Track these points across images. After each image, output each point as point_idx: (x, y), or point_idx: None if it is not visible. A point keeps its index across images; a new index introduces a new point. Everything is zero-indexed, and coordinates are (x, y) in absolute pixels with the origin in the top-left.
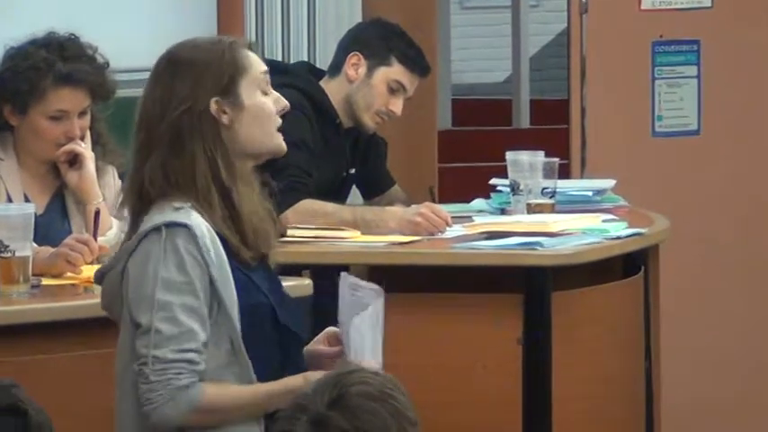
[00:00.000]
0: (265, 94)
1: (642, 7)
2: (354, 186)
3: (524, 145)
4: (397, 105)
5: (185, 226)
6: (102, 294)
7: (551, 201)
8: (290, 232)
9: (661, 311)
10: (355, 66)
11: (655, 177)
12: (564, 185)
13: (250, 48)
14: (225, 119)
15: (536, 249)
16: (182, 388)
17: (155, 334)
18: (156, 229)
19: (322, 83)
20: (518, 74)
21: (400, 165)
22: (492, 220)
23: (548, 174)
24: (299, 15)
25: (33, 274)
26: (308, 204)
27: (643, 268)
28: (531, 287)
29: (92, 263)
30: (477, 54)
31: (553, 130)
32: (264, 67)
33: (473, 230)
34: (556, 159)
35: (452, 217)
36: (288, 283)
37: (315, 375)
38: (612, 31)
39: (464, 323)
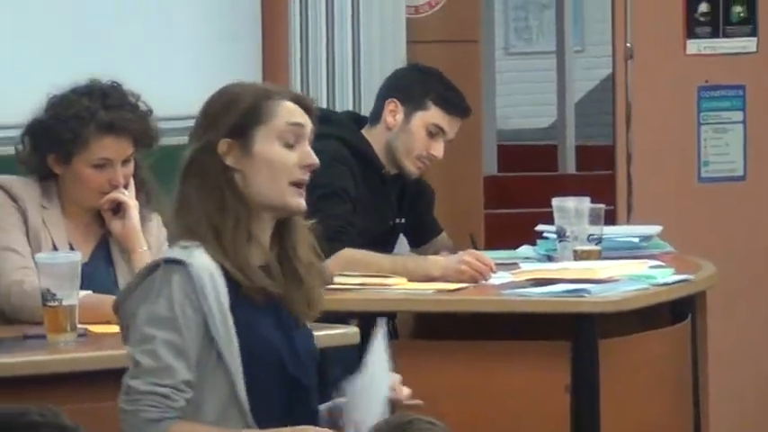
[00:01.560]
0: (289, 146)
1: (687, 52)
2: (402, 235)
3: (570, 191)
4: (437, 149)
5: (182, 263)
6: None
7: (598, 247)
8: (336, 279)
9: (709, 358)
10: (393, 112)
11: (701, 223)
12: (610, 232)
13: (297, 100)
14: (230, 160)
15: (583, 296)
16: (150, 421)
17: (134, 365)
18: (157, 264)
19: (364, 131)
20: (563, 119)
21: (446, 211)
22: (539, 266)
23: (594, 220)
24: (343, 63)
25: (102, 322)
26: (349, 254)
27: (690, 315)
28: (579, 334)
29: None
30: (523, 100)
31: (599, 176)
32: (298, 120)
33: (520, 277)
34: (602, 205)
35: (499, 264)
36: (334, 331)
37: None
38: (658, 76)
39: (512, 370)
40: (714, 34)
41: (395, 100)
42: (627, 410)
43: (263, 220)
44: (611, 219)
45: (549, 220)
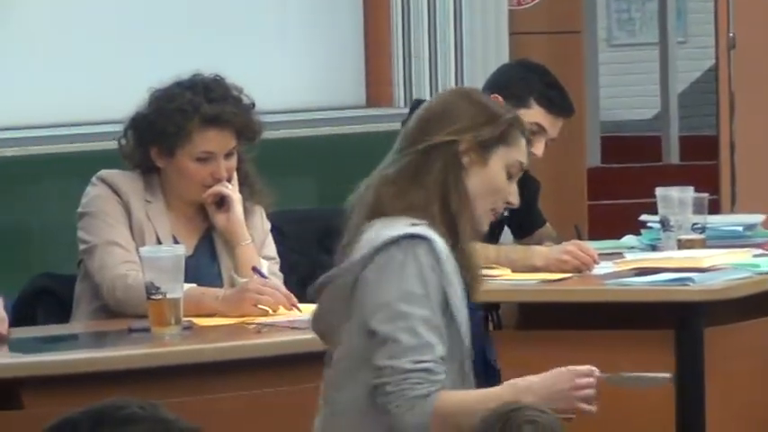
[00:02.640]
0: (509, 177)
1: None
2: (506, 226)
3: (674, 181)
4: (538, 147)
5: (426, 239)
6: (318, 307)
7: (702, 236)
8: None
9: None
10: None
11: None
12: (714, 221)
13: (527, 138)
14: (465, 161)
15: (687, 285)
16: (420, 397)
17: (393, 344)
18: (395, 241)
19: None
20: (667, 110)
21: (550, 203)
22: (643, 256)
23: (698, 209)
24: (446, 55)
25: (205, 315)
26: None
27: None
28: (684, 323)
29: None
30: (626, 91)
31: (702, 166)
32: (523, 159)
33: (624, 267)
34: (705, 195)
35: (603, 254)
36: None
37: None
38: (761, 66)
39: (616, 360)
40: None
41: (497, 96)
42: (732, 399)
43: None
44: (714, 208)
45: (652, 210)
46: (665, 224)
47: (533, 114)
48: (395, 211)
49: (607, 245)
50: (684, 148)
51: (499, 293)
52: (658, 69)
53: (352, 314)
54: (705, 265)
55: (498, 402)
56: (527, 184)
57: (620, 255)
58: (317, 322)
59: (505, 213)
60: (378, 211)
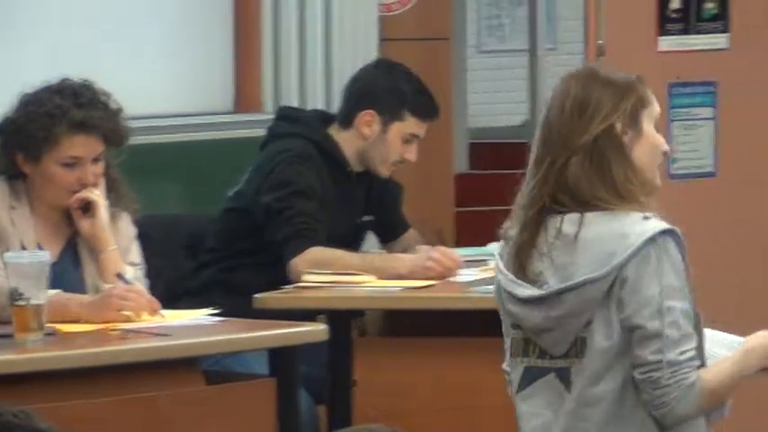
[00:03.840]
0: (657, 130)
1: (659, 49)
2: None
3: None
4: (412, 153)
5: (673, 232)
6: (557, 310)
7: None
8: (305, 278)
9: None
10: (369, 123)
11: (670, 219)
12: None
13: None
14: (626, 139)
15: None
16: (690, 385)
17: (662, 339)
18: (651, 238)
19: (333, 131)
20: (535, 117)
21: (417, 210)
22: None
23: None
24: (315, 60)
25: (70, 321)
26: (317, 252)
27: None
28: None
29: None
30: (495, 98)
31: None
32: (659, 111)
33: (488, 274)
34: None
35: (468, 261)
36: (303, 328)
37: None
38: (629, 72)
39: (480, 367)
40: (686, 31)
41: (370, 111)
42: None
43: None
44: None
45: None
46: None
47: (408, 126)
48: (606, 204)
49: (472, 252)
50: None
51: (363, 300)
52: (527, 76)
53: (608, 316)
54: None
55: (747, 360)
56: (389, 189)
57: (484, 262)
58: (544, 324)
59: (367, 218)
60: (574, 206)
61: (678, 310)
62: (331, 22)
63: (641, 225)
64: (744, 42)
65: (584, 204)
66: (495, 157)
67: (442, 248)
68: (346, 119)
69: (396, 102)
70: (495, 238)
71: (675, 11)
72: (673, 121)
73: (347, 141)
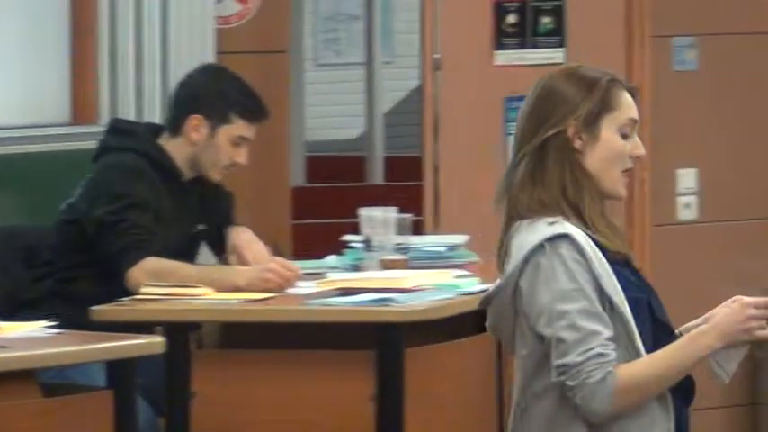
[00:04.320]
0: (625, 137)
1: (495, 63)
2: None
3: (378, 201)
4: (242, 156)
5: (566, 236)
6: (489, 316)
7: (404, 257)
8: (143, 290)
9: (514, 367)
10: (196, 128)
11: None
12: (417, 242)
13: (632, 92)
14: (578, 144)
15: (389, 305)
16: (598, 382)
17: (560, 344)
18: (539, 246)
19: (163, 140)
20: (371, 130)
21: (254, 223)
22: (345, 276)
23: (401, 230)
24: (152, 73)
25: None
26: (153, 263)
27: None
28: (384, 343)
29: None
30: (332, 111)
31: (407, 187)
32: (635, 117)
33: (326, 287)
34: (409, 215)
35: (305, 273)
36: (141, 341)
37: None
38: (465, 87)
39: (317, 380)
40: (522, 45)
41: (197, 116)
42: (431, 420)
43: None
44: (418, 229)
45: (357, 230)
46: (368, 244)
47: (236, 128)
48: (531, 213)
49: (309, 264)
50: (389, 168)
51: (201, 313)
52: (364, 89)
53: (520, 324)
54: (407, 285)
55: (684, 353)
56: (219, 199)
57: (322, 275)
58: (493, 330)
59: (201, 227)
60: (515, 215)
61: (574, 311)
62: (168, 34)
63: (538, 233)
64: (579, 57)
65: (526, 210)
66: (332, 170)
67: (280, 259)
68: (174, 126)
69: (222, 105)
70: (332, 251)
71: (512, 25)
72: (509, 134)
73: (177, 148)
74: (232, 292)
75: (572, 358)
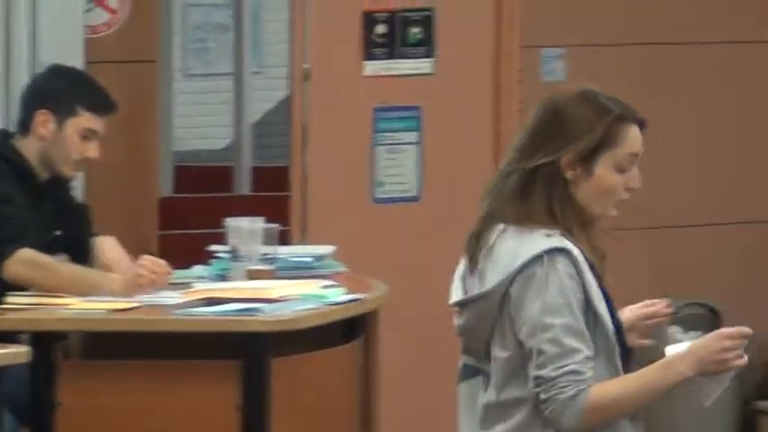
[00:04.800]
0: (621, 171)
1: (364, 73)
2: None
3: (246, 212)
4: (93, 150)
5: (563, 250)
6: (465, 322)
7: (271, 267)
8: (9, 299)
9: (381, 376)
10: (44, 122)
11: (375, 243)
12: (284, 252)
13: (640, 123)
14: (570, 175)
15: (255, 315)
16: (569, 398)
17: (539, 355)
18: (537, 257)
19: (16, 141)
20: (240, 140)
21: (121, 233)
22: (212, 286)
23: (268, 240)
24: (20, 80)
25: None
26: (30, 254)
27: (362, 334)
28: (251, 353)
29: None
30: (200, 121)
31: (275, 197)
32: (637, 151)
33: (192, 297)
34: (276, 225)
35: (172, 283)
36: (6, 350)
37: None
38: (335, 97)
39: (183, 390)
40: (391, 55)
41: (44, 110)
42: (298, 428)
43: None
44: (285, 239)
45: (224, 240)
46: (234, 254)
47: (83, 121)
48: (520, 221)
49: (177, 274)
50: (257, 178)
51: (67, 323)
52: (233, 99)
53: (503, 328)
54: (274, 295)
55: (658, 379)
56: (75, 212)
57: (189, 284)
58: (466, 332)
59: (58, 233)
60: (502, 218)
61: (558, 326)
62: (37, 43)
63: (536, 243)
64: (449, 67)
65: (511, 217)
66: (200, 180)
67: (149, 257)
68: (24, 124)
69: (68, 98)
70: (199, 261)
71: (381, 35)
72: (377, 145)
73: (29, 147)
74: (98, 302)
75: (547, 372)
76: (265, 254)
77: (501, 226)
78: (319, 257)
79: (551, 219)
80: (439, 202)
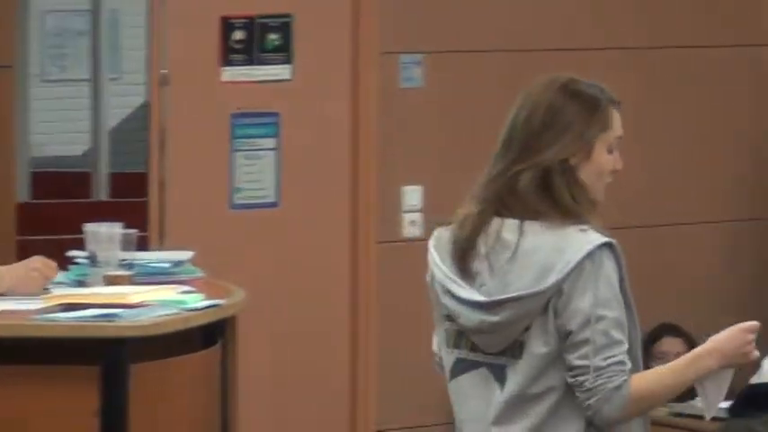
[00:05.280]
0: (610, 152)
1: (222, 79)
2: None
3: (104, 217)
4: None
5: (609, 245)
6: (501, 315)
7: (129, 272)
8: None
9: (240, 381)
10: None
11: (233, 249)
12: (142, 257)
13: (617, 107)
14: (573, 161)
15: (113, 321)
16: (615, 389)
17: (588, 345)
18: (589, 254)
19: None
20: (97, 146)
21: None
22: (70, 291)
23: (126, 246)
24: None
25: None
26: None
27: (221, 339)
28: (108, 359)
29: None
30: (58, 127)
31: (133, 203)
32: (621, 133)
33: (50, 302)
34: (134, 231)
35: None
36: None
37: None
38: (193, 103)
39: (40, 396)
40: (249, 62)
41: None
42: None
43: None
44: (144, 245)
45: (82, 246)
46: (93, 260)
47: None
48: (541, 215)
49: None
50: (115, 184)
51: None
52: (90, 105)
53: (545, 324)
54: (132, 301)
55: (688, 371)
56: None
57: (47, 290)
58: (499, 328)
59: None
60: (509, 216)
61: (610, 318)
62: None
63: (578, 238)
64: (307, 73)
65: (527, 213)
66: (58, 185)
67: (40, 257)
68: None
69: None
70: (58, 266)
71: (239, 41)
72: (235, 151)
73: None
74: None
75: (597, 362)
76: (123, 259)
77: (511, 223)
78: (177, 263)
79: (572, 212)
80: (297, 207)
